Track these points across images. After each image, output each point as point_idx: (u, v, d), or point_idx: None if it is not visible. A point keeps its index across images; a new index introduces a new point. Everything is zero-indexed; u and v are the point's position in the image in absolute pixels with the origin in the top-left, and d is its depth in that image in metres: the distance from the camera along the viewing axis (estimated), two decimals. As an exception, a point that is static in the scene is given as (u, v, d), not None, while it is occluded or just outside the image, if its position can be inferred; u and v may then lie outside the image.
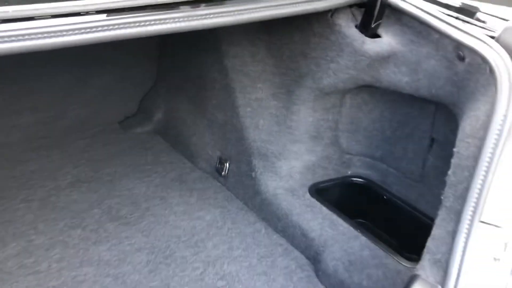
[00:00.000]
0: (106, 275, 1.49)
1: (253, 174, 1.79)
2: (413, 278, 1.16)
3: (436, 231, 1.17)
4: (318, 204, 1.64)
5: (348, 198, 1.79)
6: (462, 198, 1.10)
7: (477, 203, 1.05)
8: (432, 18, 1.25)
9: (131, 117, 2.57)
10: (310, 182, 1.74)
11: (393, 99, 1.63)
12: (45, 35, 0.94)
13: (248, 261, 1.58)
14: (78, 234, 1.68)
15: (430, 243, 1.17)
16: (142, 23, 1.04)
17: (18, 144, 2.19)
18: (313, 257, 1.56)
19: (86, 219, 1.76)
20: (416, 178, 1.65)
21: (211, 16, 1.14)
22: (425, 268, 1.15)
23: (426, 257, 1.17)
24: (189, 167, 2.13)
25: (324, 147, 1.75)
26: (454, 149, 1.16)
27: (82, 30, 0.98)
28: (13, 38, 0.91)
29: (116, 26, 1.02)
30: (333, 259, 1.48)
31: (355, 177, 1.77)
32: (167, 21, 1.07)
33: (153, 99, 2.51)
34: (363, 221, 1.80)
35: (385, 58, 1.39)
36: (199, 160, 2.12)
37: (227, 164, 1.97)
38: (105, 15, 1.02)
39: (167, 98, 2.40)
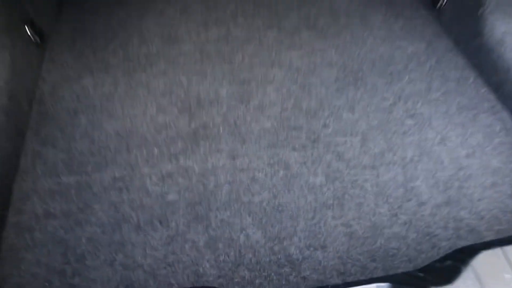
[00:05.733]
0: (293, 81, 1.52)
1: (481, 10, 1.52)
2: None
3: None
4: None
5: None
6: None
7: None
8: None
9: None
10: (554, 36, 1.42)
11: None
12: None
13: (446, 107, 1.44)
14: (274, 36, 1.70)
15: None
16: None
17: None
18: (527, 123, 1.36)
19: (282, 21, 1.76)
20: None
21: None
22: None
23: None
24: (401, -10, 1.91)
25: None
26: None
27: None
28: None
29: None
30: (553, 132, 1.27)
31: None
32: None
33: None
34: None
35: None
36: (415, -17, 1.87)
37: (449, -6, 1.70)
38: None
39: None
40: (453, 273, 0.90)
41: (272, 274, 1.07)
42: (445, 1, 1.73)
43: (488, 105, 1.45)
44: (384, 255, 1.10)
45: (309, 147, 1.33)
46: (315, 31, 1.71)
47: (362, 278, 1.07)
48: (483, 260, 0.92)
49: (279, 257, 1.10)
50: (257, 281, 1.07)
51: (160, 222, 1.16)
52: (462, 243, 1.12)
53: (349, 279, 1.07)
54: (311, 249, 1.11)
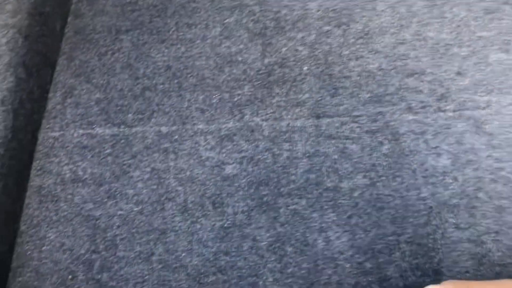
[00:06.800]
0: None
1: None
2: None
3: None
4: None
5: None
6: None
7: None
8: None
9: None
10: None
11: None
12: None
13: None
14: None
15: None
16: None
17: None
18: None
19: None
20: None
21: None
22: None
23: None
24: None
25: None
26: None
27: None
28: None
29: None
30: None
31: None
32: None
33: None
34: None
35: None
36: None
37: None
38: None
39: None
40: None
41: (358, 304, 0.79)
42: None
43: None
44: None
45: (432, 107, 0.92)
46: None
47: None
48: None
49: (370, 279, 0.80)
50: (335, 310, 0.79)
51: (213, 205, 0.89)
52: None
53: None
54: (419, 273, 0.80)
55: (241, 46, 1.02)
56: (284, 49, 1.01)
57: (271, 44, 1.02)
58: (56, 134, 0.99)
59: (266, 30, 1.03)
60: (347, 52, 0.98)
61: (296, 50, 1.00)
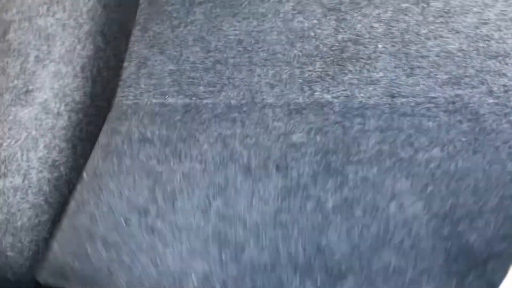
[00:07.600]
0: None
1: None
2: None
3: None
4: None
5: None
6: None
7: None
8: None
9: None
10: None
11: None
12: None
13: None
14: None
15: None
16: None
17: None
18: None
19: None
20: None
21: None
22: None
23: None
24: None
25: None
26: None
27: None
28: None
29: None
30: None
31: None
32: None
33: None
34: None
35: None
36: None
37: None
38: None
39: None
40: None
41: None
42: None
43: None
44: None
45: (516, 88, 0.88)
46: None
47: None
48: None
49: (449, 244, 0.73)
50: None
51: (277, 168, 0.86)
52: None
53: None
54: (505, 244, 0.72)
55: (314, 21, 1.04)
56: (358, 26, 1.01)
57: (345, 20, 1.03)
58: (130, 101, 1.03)
59: (340, 6, 1.05)
60: (425, 31, 0.97)
61: (372, 27, 1.00)
